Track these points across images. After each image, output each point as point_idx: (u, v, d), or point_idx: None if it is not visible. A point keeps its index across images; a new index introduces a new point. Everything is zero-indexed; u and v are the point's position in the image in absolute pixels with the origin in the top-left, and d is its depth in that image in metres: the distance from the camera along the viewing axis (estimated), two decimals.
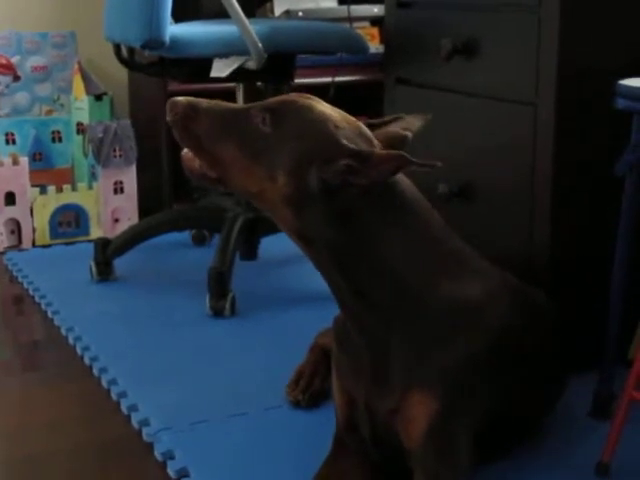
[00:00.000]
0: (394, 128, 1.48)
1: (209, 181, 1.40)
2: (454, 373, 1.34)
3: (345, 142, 1.32)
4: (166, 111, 1.39)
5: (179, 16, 2.47)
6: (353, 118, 1.40)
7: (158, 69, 2.38)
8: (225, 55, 2.25)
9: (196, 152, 1.39)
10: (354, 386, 1.42)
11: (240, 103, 2.48)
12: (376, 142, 1.38)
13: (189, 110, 1.37)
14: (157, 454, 1.60)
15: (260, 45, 2.18)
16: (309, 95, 1.40)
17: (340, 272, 1.35)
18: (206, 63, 2.28)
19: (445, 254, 1.39)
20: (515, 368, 1.45)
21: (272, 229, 2.48)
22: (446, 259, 1.39)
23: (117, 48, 2.42)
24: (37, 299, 2.41)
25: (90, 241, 2.82)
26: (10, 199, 2.83)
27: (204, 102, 1.38)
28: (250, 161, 1.34)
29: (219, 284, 2.22)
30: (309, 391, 1.76)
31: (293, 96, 1.39)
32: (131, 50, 2.38)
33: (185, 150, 1.41)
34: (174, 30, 2.22)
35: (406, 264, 1.34)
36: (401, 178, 1.37)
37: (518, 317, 1.46)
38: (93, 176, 2.98)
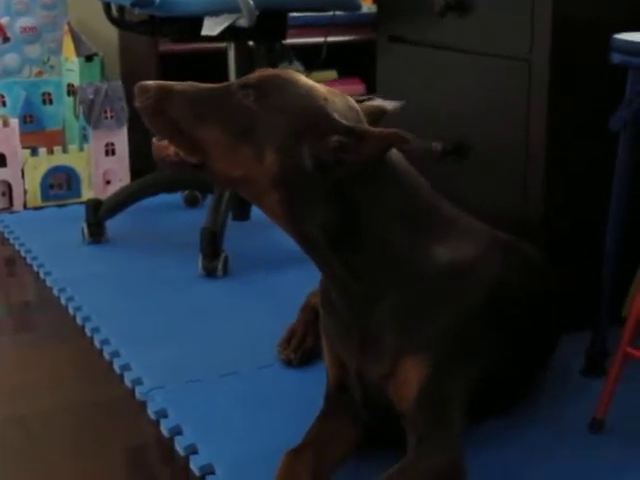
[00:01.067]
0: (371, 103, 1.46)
1: (188, 168, 1.33)
2: (446, 336, 1.34)
3: (336, 117, 1.29)
4: (136, 96, 1.31)
5: None
6: (338, 91, 1.37)
7: (148, 28, 2.36)
8: (216, 13, 2.22)
9: (172, 137, 1.31)
10: (343, 351, 1.41)
11: (232, 63, 2.46)
12: (362, 116, 1.35)
13: (162, 93, 1.30)
14: (150, 412, 1.60)
15: (251, 2, 2.16)
16: (287, 70, 1.36)
17: (332, 251, 1.32)
18: (197, 21, 2.26)
19: (436, 221, 1.37)
20: (508, 327, 1.44)
21: None
22: (437, 225, 1.37)
23: (107, 7, 2.40)
24: (29, 261, 2.40)
25: (81, 203, 2.81)
26: (1, 161, 2.81)
27: (177, 84, 1.32)
28: (235, 141, 1.29)
29: (211, 245, 2.21)
30: (301, 350, 1.76)
31: (272, 71, 1.34)
32: (121, 9, 2.37)
33: (155, 139, 1.35)
34: None
35: (398, 235, 1.33)
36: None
37: (510, 276, 1.45)
38: (84, 138, 2.96)
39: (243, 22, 2.20)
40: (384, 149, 1.29)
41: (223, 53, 2.50)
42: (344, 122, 1.28)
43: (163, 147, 1.34)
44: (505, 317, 1.43)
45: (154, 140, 1.35)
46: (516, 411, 1.57)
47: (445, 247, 1.37)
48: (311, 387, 1.65)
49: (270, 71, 1.33)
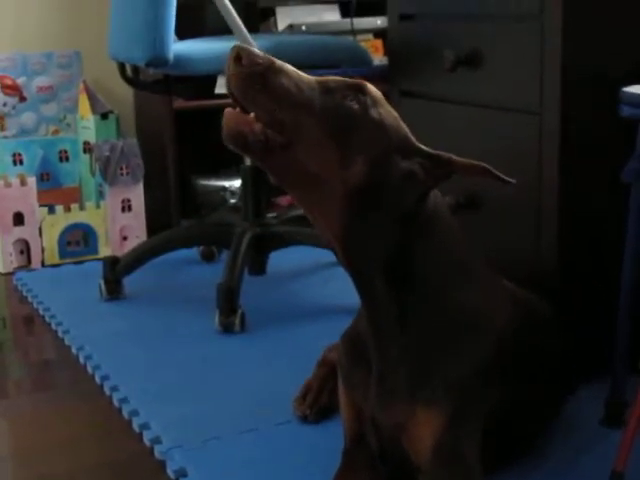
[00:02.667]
0: None
1: (270, 147, 1.21)
2: (459, 387, 1.34)
3: (417, 143, 1.31)
4: (232, 58, 1.22)
5: (182, 33, 2.48)
6: None
7: (163, 87, 2.39)
8: None
9: (270, 113, 1.21)
10: (363, 399, 1.41)
11: None
12: None
13: (273, 65, 1.22)
14: (169, 472, 1.60)
15: None
16: None
17: (381, 276, 1.31)
18: (210, 80, 2.29)
19: (465, 265, 1.39)
20: (520, 378, 1.44)
21: (280, 244, 2.48)
22: (465, 270, 1.38)
23: (122, 67, 2.43)
24: (47, 319, 2.41)
25: (99, 260, 2.82)
26: (19, 219, 2.84)
27: (280, 62, 1.24)
28: (328, 137, 1.22)
29: (228, 300, 2.22)
30: (316, 406, 1.76)
31: (362, 81, 1.29)
32: (135, 69, 2.40)
33: (228, 110, 1.23)
34: (178, 47, 2.23)
35: (437, 273, 1.33)
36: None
37: (523, 328, 1.46)
38: (101, 195, 2.98)
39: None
40: (449, 175, 1.32)
41: None
42: (427, 148, 1.31)
43: (246, 120, 1.21)
44: (517, 369, 1.44)
45: (228, 110, 1.23)
46: (534, 461, 1.56)
47: (469, 294, 1.37)
48: (329, 443, 1.64)
49: (360, 80, 1.30)
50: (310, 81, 1.26)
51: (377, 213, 1.27)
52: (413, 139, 1.32)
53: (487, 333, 1.38)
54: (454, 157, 1.32)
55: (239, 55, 1.21)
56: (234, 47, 1.23)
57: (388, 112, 1.31)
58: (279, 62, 1.24)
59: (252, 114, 1.22)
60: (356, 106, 1.25)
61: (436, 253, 1.34)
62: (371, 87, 1.31)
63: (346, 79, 1.29)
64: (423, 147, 1.32)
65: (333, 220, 1.27)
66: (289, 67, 1.26)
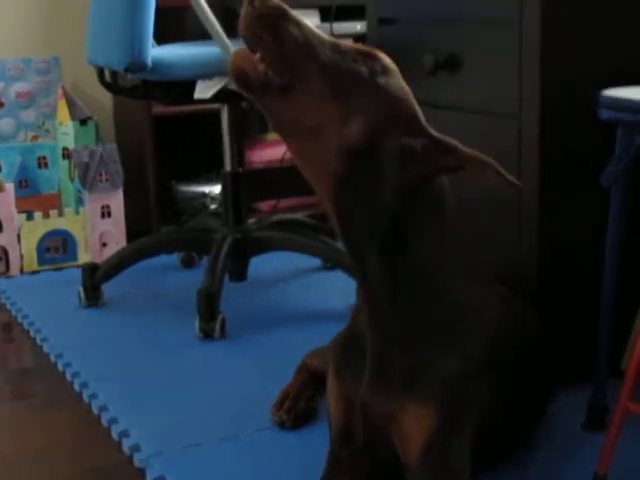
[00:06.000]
0: None
1: (269, 88, 1.25)
2: (452, 386, 1.33)
3: (426, 124, 1.31)
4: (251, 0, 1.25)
5: (161, 38, 2.48)
6: None
7: (141, 92, 2.37)
8: (208, 76, 2.24)
9: (273, 54, 1.24)
10: (354, 388, 1.40)
11: (226, 124, 2.48)
12: None
13: (282, 11, 1.25)
14: (149, 479, 1.59)
15: None
16: None
17: (374, 249, 1.30)
18: (189, 85, 2.27)
19: (462, 260, 1.38)
20: (507, 383, 1.44)
21: (261, 249, 2.47)
22: (462, 266, 1.38)
23: (100, 72, 2.41)
24: (26, 326, 2.39)
25: (78, 266, 2.82)
26: None
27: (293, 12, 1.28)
28: (332, 92, 1.24)
29: (208, 306, 2.21)
30: (294, 412, 1.75)
31: (377, 50, 1.32)
32: (114, 74, 2.38)
33: (238, 48, 1.27)
34: (156, 53, 2.22)
35: (435, 264, 1.33)
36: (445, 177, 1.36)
37: (511, 328, 1.46)
38: (80, 201, 2.97)
39: (234, 85, 2.22)
40: (458, 168, 1.30)
41: (216, 115, 2.52)
42: (434, 132, 1.30)
43: (251, 60, 1.25)
44: (505, 370, 1.44)
45: (236, 49, 1.28)
46: (517, 465, 1.56)
47: (464, 290, 1.37)
48: (311, 449, 1.64)
49: (377, 50, 1.32)
50: (323, 38, 1.28)
51: (371, 181, 1.27)
52: (422, 119, 1.31)
53: (481, 333, 1.38)
54: (460, 146, 1.30)
55: None
56: None
57: (397, 84, 1.31)
58: (291, 12, 1.27)
59: (258, 55, 1.25)
60: (363, 69, 1.27)
61: (435, 241, 1.33)
62: (385, 57, 1.32)
63: (361, 45, 1.31)
64: (431, 130, 1.31)
65: (326, 178, 1.28)
66: (302, 20, 1.28)
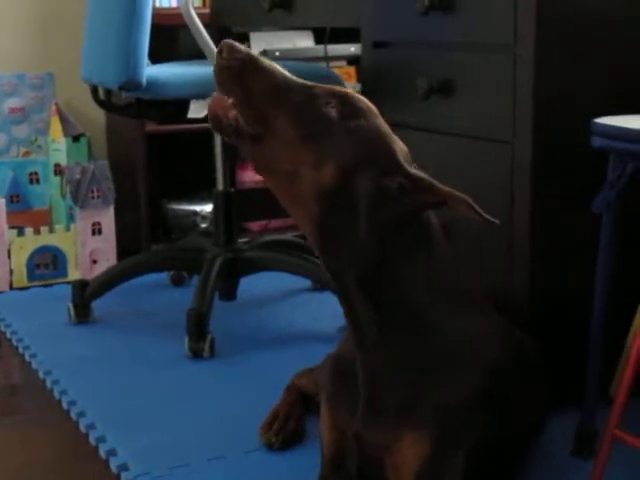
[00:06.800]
0: None
1: (242, 137, 1.29)
2: (447, 415, 1.33)
3: (403, 162, 1.31)
4: (220, 51, 1.30)
5: (156, 57, 2.48)
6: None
7: (135, 110, 2.38)
8: (202, 96, 2.25)
9: (242, 104, 1.28)
10: (347, 419, 1.40)
11: (218, 144, 2.48)
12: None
13: (250, 61, 1.29)
14: None
15: None
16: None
17: (357, 286, 1.32)
18: (183, 104, 2.28)
19: (454, 290, 1.39)
20: (503, 415, 1.43)
21: (251, 269, 2.47)
22: (454, 296, 1.38)
23: (94, 90, 2.42)
24: (14, 342, 2.38)
25: (68, 283, 2.80)
26: None
27: (264, 60, 1.31)
28: (302, 139, 1.27)
29: (198, 325, 2.20)
30: (283, 433, 1.74)
31: (356, 94, 1.34)
32: (108, 92, 2.38)
33: (215, 94, 1.31)
34: (151, 71, 2.22)
35: (423, 295, 1.34)
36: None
37: (508, 357, 1.46)
38: (71, 217, 2.96)
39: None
40: (439, 204, 1.31)
41: (209, 134, 2.52)
42: (412, 170, 1.31)
43: (225, 106, 1.29)
44: (501, 399, 1.43)
45: (215, 93, 1.31)
46: None
47: (458, 321, 1.37)
48: (299, 471, 1.63)
49: (349, 90, 1.34)
50: (294, 83, 1.31)
51: (348, 220, 1.29)
52: (399, 158, 1.32)
53: (476, 364, 1.37)
54: (436, 183, 1.31)
55: (222, 48, 1.30)
56: (223, 40, 1.31)
57: (371, 125, 1.32)
58: (260, 59, 1.30)
59: (231, 100, 1.29)
60: (333, 112, 1.29)
61: (422, 273, 1.33)
62: (359, 98, 1.33)
63: (335, 87, 1.33)
64: (408, 168, 1.31)
65: (306, 218, 1.30)
66: (272, 65, 1.31)
